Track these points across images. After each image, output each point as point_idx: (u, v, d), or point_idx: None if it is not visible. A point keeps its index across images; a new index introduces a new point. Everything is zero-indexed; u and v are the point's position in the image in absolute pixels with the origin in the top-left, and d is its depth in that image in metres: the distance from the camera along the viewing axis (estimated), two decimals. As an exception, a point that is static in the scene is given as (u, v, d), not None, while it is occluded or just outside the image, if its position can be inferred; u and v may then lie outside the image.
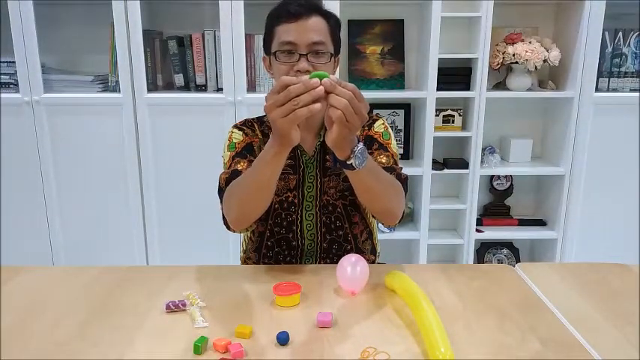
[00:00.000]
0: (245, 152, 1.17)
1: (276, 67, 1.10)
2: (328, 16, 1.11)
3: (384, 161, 1.16)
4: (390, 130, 1.23)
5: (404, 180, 1.14)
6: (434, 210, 2.33)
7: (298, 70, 1.06)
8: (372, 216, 1.17)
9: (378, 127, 1.22)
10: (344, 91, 0.85)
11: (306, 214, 1.19)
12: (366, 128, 1.22)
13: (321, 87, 0.84)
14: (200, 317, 0.88)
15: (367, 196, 1.07)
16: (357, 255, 1.00)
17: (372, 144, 1.19)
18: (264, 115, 1.24)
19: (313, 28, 1.07)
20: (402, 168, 1.18)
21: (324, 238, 1.20)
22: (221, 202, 1.11)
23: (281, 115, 0.85)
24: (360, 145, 0.93)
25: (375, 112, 2.32)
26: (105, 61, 2.18)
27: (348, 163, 0.93)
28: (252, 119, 1.25)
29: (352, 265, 0.97)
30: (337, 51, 1.14)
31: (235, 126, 1.23)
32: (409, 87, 2.34)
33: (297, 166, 1.18)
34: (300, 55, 1.07)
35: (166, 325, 0.87)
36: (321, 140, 1.17)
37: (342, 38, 2.22)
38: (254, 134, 1.21)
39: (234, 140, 1.19)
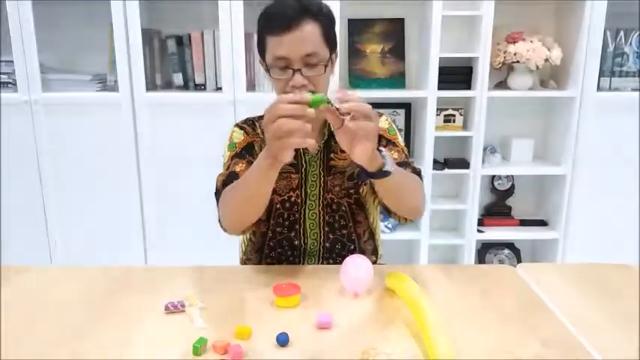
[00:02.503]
0: (244, 152, 1.16)
1: (273, 82, 1.09)
2: (320, 17, 1.05)
3: (395, 157, 1.16)
4: (393, 125, 1.23)
5: (419, 172, 1.14)
6: (435, 210, 2.32)
7: (294, 86, 1.04)
8: (398, 216, 1.15)
9: (383, 123, 1.20)
10: (356, 108, 0.85)
11: (309, 212, 1.18)
12: None
13: (309, 126, 0.84)
14: (199, 318, 0.87)
15: (396, 199, 1.07)
16: (362, 255, 1.00)
17: (380, 141, 1.18)
18: None
19: (305, 39, 1.03)
20: (413, 161, 1.18)
21: (327, 238, 1.19)
22: (217, 204, 1.10)
23: (274, 138, 0.85)
24: (382, 149, 0.94)
25: (375, 110, 2.34)
26: (103, 60, 2.18)
27: (384, 170, 0.93)
28: (254, 118, 1.24)
29: (357, 266, 0.97)
30: (333, 49, 1.10)
31: (237, 125, 1.22)
32: (410, 86, 2.34)
33: (300, 165, 1.16)
34: (294, 70, 1.04)
35: (165, 326, 0.86)
36: (325, 138, 1.16)
37: (343, 37, 2.24)
38: (255, 133, 1.20)
39: (235, 140, 1.18)
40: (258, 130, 1.20)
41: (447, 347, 0.74)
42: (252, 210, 1.04)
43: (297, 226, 1.18)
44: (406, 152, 1.19)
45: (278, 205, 1.17)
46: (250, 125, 1.21)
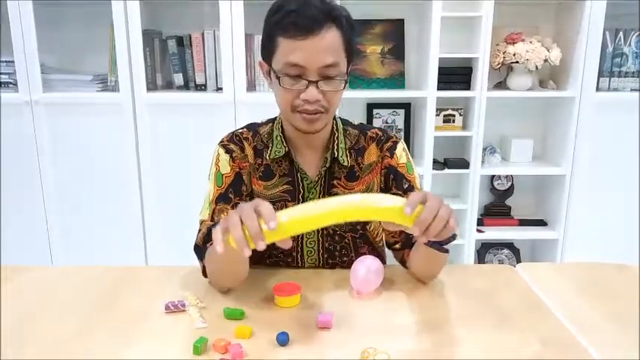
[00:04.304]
0: (231, 191, 1.04)
1: (279, 91, 0.96)
2: (342, 24, 0.93)
3: None
4: (409, 155, 1.11)
5: None
6: (434, 210, 2.32)
7: (307, 100, 0.93)
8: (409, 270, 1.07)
9: (401, 155, 1.08)
10: (424, 221, 0.76)
11: (307, 241, 1.08)
12: (387, 155, 1.08)
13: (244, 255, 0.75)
14: (199, 318, 0.87)
15: (430, 265, 0.99)
16: (374, 257, 0.98)
17: (399, 182, 1.06)
18: (261, 124, 1.11)
19: (326, 48, 0.90)
20: None
21: (327, 263, 1.10)
22: (198, 259, 1.01)
23: (227, 225, 0.76)
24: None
25: (375, 112, 2.35)
26: (104, 60, 2.18)
27: (452, 235, 0.83)
28: (242, 132, 1.09)
29: (367, 268, 0.96)
30: (351, 59, 0.98)
31: (222, 144, 1.08)
32: (409, 87, 2.34)
33: (297, 191, 1.06)
34: (309, 82, 0.92)
35: (166, 326, 0.86)
36: (327, 165, 1.05)
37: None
38: (243, 155, 1.07)
39: (222, 170, 1.05)
40: (248, 150, 1.07)
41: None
42: (232, 278, 0.96)
43: (295, 253, 1.09)
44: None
45: None
46: (238, 143, 1.08)
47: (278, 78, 0.94)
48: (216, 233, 0.77)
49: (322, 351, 0.79)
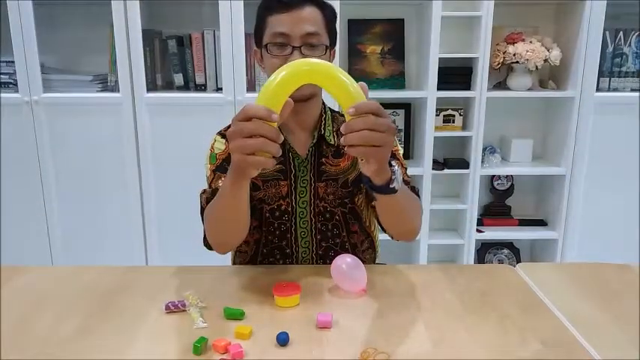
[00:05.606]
0: (226, 165, 1.09)
1: (268, 61, 1.05)
2: (323, 6, 1.06)
3: None
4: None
5: (417, 193, 1.11)
6: (434, 210, 2.32)
7: None
8: (391, 236, 1.10)
9: None
10: (358, 123, 0.76)
11: (300, 221, 1.13)
12: None
13: (276, 146, 0.77)
14: (200, 318, 0.87)
15: (395, 219, 1.03)
16: (349, 254, 0.99)
17: None
18: None
19: (307, 19, 1.02)
20: (411, 179, 1.15)
21: (320, 246, 1.15)
22: (203, 222, 1.07)
23: (241, 151, 0.78)
24: (394, 163, 0.86)
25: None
26: (104, 60, 2.18)
27: (391, 186, 0.86)
28: None
29: (349, 266, 0.96)
30: (333, 43, 1.09)
31: (219, 133, 1.17)
32: (409, 87, 2.34)
33: (289, 170, 1.11)
34: (294, 47, 1.01)
35: (166, 326, 0.87)
36: (314, 141, 1.12)
37: (343, 38, 2.25)
38: None
39: (216, 151, 1.13)
40: None
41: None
42: (231, 229, 1.01)
43: (289, 235, 1.14)
44: (405, 167, 1.14)
45: (267, 214, 1.13)
46: None
47: (267, 49, 1.04)
48: (246, 161, 0.78)
49: (322, 351, 0.79)
